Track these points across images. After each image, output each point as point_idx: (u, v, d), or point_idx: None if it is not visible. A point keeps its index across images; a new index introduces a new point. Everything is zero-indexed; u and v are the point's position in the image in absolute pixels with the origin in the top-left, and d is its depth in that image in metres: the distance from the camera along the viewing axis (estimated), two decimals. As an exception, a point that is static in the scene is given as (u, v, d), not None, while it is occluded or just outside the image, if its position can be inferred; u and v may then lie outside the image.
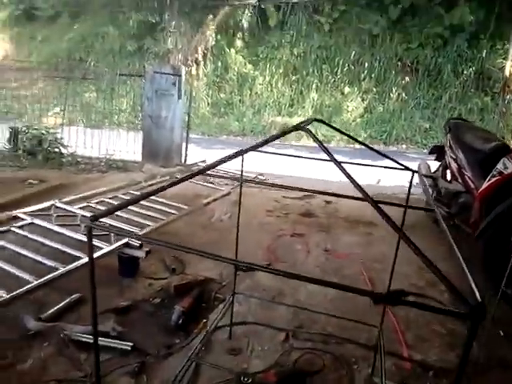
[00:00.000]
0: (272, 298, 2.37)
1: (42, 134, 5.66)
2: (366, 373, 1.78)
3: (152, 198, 3.33)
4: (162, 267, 2.65)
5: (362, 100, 11.47)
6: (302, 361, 1.83)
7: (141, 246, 2.46)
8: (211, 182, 4.28)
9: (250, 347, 1.91)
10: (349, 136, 1.63)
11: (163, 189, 1.12)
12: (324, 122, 1.41)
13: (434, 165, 4.15)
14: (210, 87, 11.88)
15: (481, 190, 2.83)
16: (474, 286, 0.57)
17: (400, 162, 1.73)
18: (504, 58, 10.65)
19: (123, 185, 3.56)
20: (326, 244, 3.20)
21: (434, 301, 2.41)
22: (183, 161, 5.62)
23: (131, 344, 1.85)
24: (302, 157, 2.09)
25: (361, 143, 1.90)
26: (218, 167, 4.63)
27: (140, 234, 2.60)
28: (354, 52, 11.57)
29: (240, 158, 1.41)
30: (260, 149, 1.35)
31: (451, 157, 3.59)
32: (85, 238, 2.48)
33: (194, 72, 11.07)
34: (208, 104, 11.69)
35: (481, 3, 10.73)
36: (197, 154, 6.53)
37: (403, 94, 11.43)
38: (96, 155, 5.83)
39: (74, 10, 13.93)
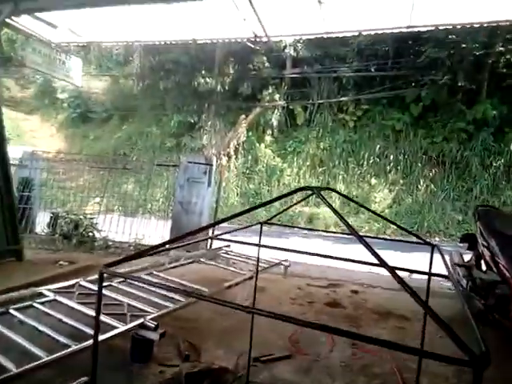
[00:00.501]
0: (290, 393, 2.15)
1: (80, 218, 6.02)
2: None
3: (174, 279, 3.33)
4: (176, 353, 2.52)
5: (390, 191, 11.57)
6: None
7: (156, 328, 2.38)
8: (234, 267, 4.25)
9: None
10: (366, 208, 1.63)
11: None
12: (335, 191, 1.44)
13: (468, 255, 3.97)
14: (239, 178, 12.51)
15: (520, 281, 2.64)
16: (479, 336, 0.54)
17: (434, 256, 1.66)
18: (532, 150, 10.74)
19: (147, 266, 3.60)
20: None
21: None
22: (209, 246, 5.68)
23: None
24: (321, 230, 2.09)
25: (387, 220, 1.88)
26: (241, 252, 4.60)
27: (156, 314, 2.54)
28: (378, 146, 12.06)
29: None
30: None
31: (483, 245, 3.44)
32: (105, 318, 2.45)
33: (224, 163, 11.79)
34: (237, 194, 12.18)
35: (502, 98, 11.21)
36: (223, 242, 6.59)
37: (431, 186, 11.47)
38: (126, 239, 6.03)
39: (124, 114, 15.82)
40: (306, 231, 10.65)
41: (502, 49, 11.31)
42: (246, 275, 3.51)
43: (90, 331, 2.28)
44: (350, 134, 12.66)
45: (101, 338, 2.19)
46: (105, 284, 3.06)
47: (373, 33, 4.55)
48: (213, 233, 5.53)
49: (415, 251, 7.92)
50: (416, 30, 4.15)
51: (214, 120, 13.24)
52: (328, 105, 12.90)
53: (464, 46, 11.07)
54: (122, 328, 2.31)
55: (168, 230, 5.86)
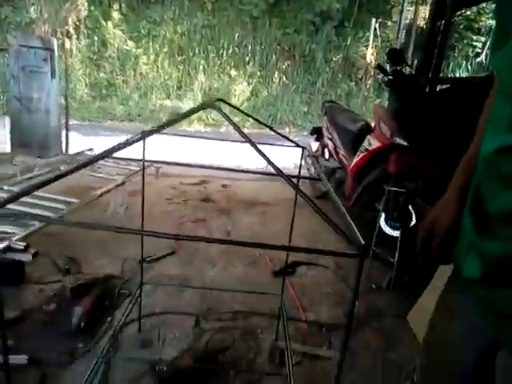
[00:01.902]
0: (179, 285, 2.40)
1: None
2: (270, 339, 1.98)
3: (34, 193, 2.98)
4: (54, 269, 2.43)
5: (248, 84, 11.84)
6: (214, 341, 1.93)
7: (26, 248, 2.21)
8: (101, 172, 4.00)
9: (162, 337, 1.93)
10: (247, 114, 1.71)
11: (50, 181, 0.84)
12: (227, 103, 1.47)
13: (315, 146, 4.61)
14: (86, 65, 10.78)
15: (352, 164, 3.29)
16: (357, 232, 0.71)
17: (285, 146, 1.85)
18: (365, 46, 12.16)
19: (-8, 181, 3.08)
20: (227, 227, 3.34)
21: (321, 266, 2.77)
22: (64, 150, 5.08)
23: (26, 357, 1.70)
24: (204, 137, 2.12)
25: (258, 121, 1.98)
26: (108, 156, 4.34)
27: (23, 234, 2.32)
28: (237, 34, 11.78)
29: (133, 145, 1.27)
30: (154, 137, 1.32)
31: (328, 137, 4.05)
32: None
33: (67, 46, 9.85)
34: (86, 85, 10.62)
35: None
36: (79, 143, 5.97)
37: (284, 79, 12.18)
38: None
39: None
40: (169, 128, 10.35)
41: None
42: (117, 181, 3.38)
43: None
44: (208, 17, 11.85)
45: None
46: None
47: None
48: (67, 133, 4.93)
49: (271, 144, 8.76)
50: None
51: (40, -14, 10.41)
52: (184, -19, 11.50)
53: None
54: (-17, 255, 2.06)
55: (6, 130, 4.91)
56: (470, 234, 0.69)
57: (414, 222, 2.77)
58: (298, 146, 1.88)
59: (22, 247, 2.18)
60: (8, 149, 4.82)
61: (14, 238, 2.22)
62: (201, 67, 11.54)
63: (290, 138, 1.72)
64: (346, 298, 2.40)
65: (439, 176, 2.54)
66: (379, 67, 2.89)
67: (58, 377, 1.66)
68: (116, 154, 1.11)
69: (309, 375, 1.78)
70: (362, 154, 3.10)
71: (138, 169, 3.82)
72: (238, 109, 1.59)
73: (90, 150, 4.31)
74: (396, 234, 2.77)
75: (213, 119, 10.99)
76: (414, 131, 2.72)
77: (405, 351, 1.95)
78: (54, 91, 4.81)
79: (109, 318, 2.03)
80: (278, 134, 1.75)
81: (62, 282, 2.31)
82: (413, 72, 2.99)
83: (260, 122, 1.90)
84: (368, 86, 12.46)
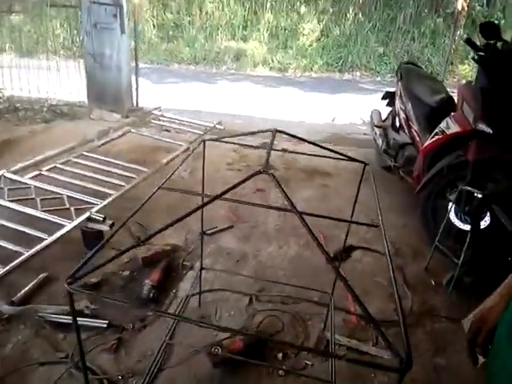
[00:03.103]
0: (236, 261, 2.56)
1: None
2: (319, 328, 2.09)
3: (109, 160, 3.23)
4: (128, 237, 2.70)
5: (318, 22, 10.97)
6: (265, 323, 2.09)
7: (104, 220, 2.47)
8: (169, 136, 4.15)
9: (219, 314, 2.13)
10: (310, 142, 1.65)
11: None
12: (285, 133, 1.43)
13: (386, 111, 4.29)
14: (154, 6, 10.69)
15: (425, 145, 3.03)
16: (403, 331, 0.70)
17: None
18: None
19: (74, 145, 3.37)
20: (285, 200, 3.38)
21: (377, 252, 2.74)
22: (135, 103, 5.32)
23: (106, 321, 1.99)
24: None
25: None
26: (175, 118, 4.45)
27: (101, 206, 2.58)
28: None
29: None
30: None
31: (400, 107, 3.72)
32: (43, 215, 2.42)
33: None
34: (154, 26, 10.64)
35: None
36: (149, 92, 6.17)
37: (359, 15, 11.04)
38: (36, 96, 5.32)
39: None
40: (233, 71, 10.20)
41: None
42: (183, 146, 3.51)
43: (36, 233, 2.30)
44: None
45: (49, 240, 2.25)
46: (31, 174, 2.89)
47: None
48: (136, 80, 5.11)
49: (339, 92, 8.29)
50: None
51: None
52: None
53: None
54: (69, 226, 2.36)
55: (83, 81, 5.22)
56: None
57: (487, 222, 2.56)
58: (359, 161, 1.63)
59: (101, 219, 2.43)
60: (84, 99, 5.16)
61: (94, 210, 2.48)
62: (268, 4, 10.85)
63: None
64: (401, 291, 2.39)
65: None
66: (468, 42, 2.50)
67: (131, 342, 1.95)
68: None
69: (350, 371, 1.87)
70: (437, 136, 2.84)
71: (201, 133, 3.92)
72: (295, 136, 1.52)
73: (158, 108, 4.46)
74: (466, 227, 2.61)
75: (278, 61, 10.55)
76: (502, 117, 2.41)
77: (455, 358, 1.95)
78: (125, 47, 4.92)
79: (174, 290, 2.27)
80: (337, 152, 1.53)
81: (135, 250, 2.59)
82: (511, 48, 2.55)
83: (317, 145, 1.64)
84: (460, 23, 10.81)
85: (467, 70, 10.19)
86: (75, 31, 7.67)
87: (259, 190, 3.48)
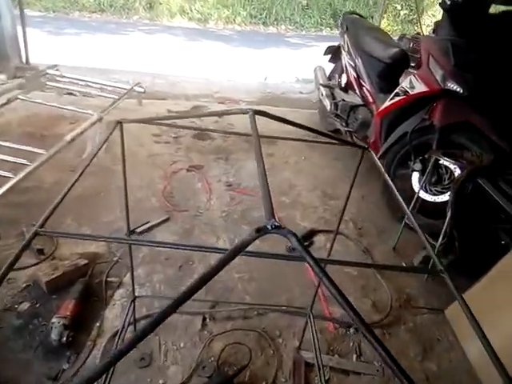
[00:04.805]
0: (178, 268, 2.02)
1: None
2: (292, 346, 1.69)
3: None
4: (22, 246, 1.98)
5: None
6: (226, 351, 1.63)
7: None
8: (73, 96, 3.26)
9: (164, 348, 1.62)
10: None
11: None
12: (266, 114, 0.89)
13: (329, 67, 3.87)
14: None
15: (382, 108, 2.68)
16: None
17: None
18: None
19: None
20: (228, 177, 2.85)
21: (341, 235, 2.40)
22: (24, 60, 4.16)
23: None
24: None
25: None
26: (78, 78, 3.50)
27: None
28: None
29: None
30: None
31: (349, 63, 3.31)
32: None
33: None
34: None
35: None
36: (42, 45, 4.96)
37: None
38: None
39: None
40: (146, 21, 8.91)
41: None
42: (94, 117, 2.72)
43: None
44: None
45: None
46: None
47: None
48: (24, 33, 4.00)
49: (267, 47, 7.66)
50: None
51: None
52: None
53: None
54: None
55: None
56: None
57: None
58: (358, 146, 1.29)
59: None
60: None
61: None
62: None
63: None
64: (373, 281, 2.09)
65: (503, 139, 2.03)
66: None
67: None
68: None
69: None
70: (398, 98, 2.49)
71: (116, 97, 3.11)
72: (277, 118, 0.99)
73: (53, 67, 3.44)
74: (432, 198, 2.36)
75: (197, 11, 9.49)
76: (476, 75, 2.11)
77: (445, 359, 1.71)
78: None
79: (97, 324, 1.68)
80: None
81: (36, 267, 1.90)
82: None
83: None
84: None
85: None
86: None
87: (194, 166, 2.89)
